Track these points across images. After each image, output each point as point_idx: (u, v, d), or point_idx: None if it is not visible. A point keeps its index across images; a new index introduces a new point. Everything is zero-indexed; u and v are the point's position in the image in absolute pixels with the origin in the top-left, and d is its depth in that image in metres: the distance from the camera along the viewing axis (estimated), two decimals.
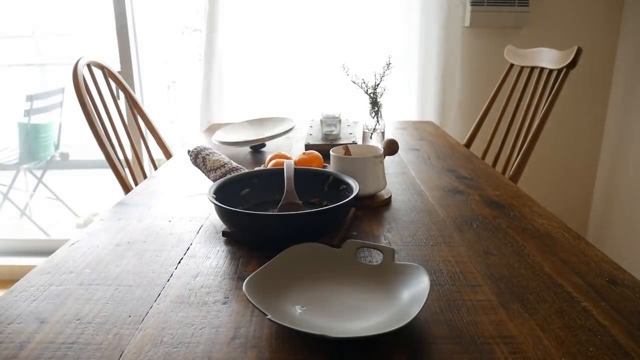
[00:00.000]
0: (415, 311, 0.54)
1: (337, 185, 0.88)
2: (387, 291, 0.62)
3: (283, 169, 0.88)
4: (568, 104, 2.27)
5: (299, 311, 0.58)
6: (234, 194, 0.88)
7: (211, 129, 1.78)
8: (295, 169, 0.88)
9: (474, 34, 2.23)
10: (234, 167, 0.99)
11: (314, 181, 0.91)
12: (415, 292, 0.59)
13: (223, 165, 0.99)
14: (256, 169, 0.96)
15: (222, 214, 0.77)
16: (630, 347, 0.52)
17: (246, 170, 0.95)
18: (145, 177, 1.61)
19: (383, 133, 1.30)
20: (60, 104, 3.15)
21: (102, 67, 1.56)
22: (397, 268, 0.64)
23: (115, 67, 1.69)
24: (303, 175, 0.90)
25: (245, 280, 0.58)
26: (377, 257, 0.72)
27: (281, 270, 0.64)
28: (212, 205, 0.78)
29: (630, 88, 2.20)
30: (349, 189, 0.84)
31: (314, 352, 0.52)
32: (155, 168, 1.51)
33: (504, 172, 1.55)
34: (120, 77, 1.63)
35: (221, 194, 0.82)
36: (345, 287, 0.64)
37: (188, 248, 0.78)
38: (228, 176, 0.90)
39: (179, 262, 0.73)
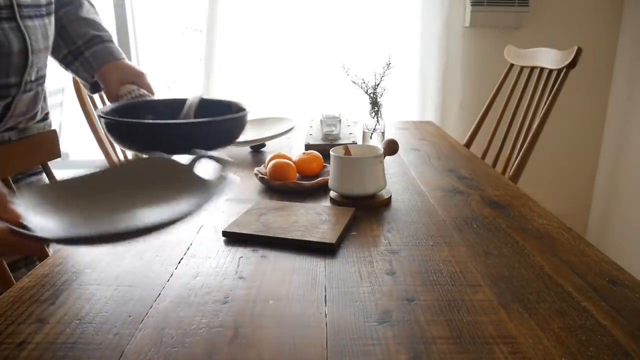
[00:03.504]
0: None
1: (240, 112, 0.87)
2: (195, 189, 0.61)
3: (191, 98, 0.86)
4: (568, 104, 2.28)
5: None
6: (137, 119, 0.85)
7: None
8: (201, 99, 0.87)
9: (474, 34, 2.23)
10: (142, 94, 0.95)
11: (217, 113, 0.87)
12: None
13: (130, 92, 0.94)
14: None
15: (110, 127, 0.74)
16: (630, 347, 0.52)
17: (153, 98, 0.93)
18: None
19: (383, 133, 1.30)
20: (60, 104, 3.15)
21: None
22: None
23: None
24: (208, 106, 0.89)
25: None
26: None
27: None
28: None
29: (630, 88, 2.20)
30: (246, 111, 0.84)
31: (312, 353, 0.52)
32: None
33: (504, 172, 1.55)
34: None
35: (120, 117, 0.79)
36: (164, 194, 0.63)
37: (188, 248, 0.78)
38: (131, 100, 0.87)
39: (179, 262, 0.73)
